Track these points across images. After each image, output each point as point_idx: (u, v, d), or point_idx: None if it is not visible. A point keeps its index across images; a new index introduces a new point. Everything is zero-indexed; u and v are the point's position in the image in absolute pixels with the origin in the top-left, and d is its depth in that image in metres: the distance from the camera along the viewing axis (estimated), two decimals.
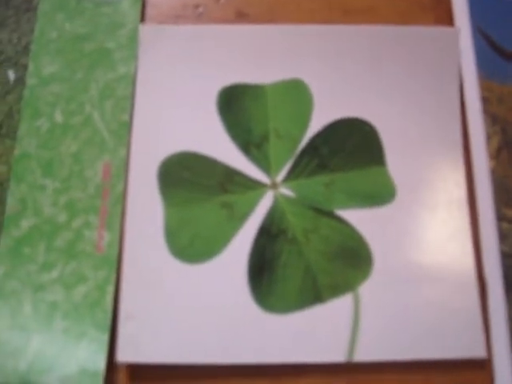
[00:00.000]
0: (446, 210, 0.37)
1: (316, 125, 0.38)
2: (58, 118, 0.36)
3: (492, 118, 0.39)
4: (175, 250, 0.34)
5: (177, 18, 0.40)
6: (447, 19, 0.41)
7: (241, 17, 0.40)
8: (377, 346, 0.32)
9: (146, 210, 0.35)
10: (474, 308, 0.35)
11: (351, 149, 0.37)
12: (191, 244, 0.34)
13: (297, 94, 0.38)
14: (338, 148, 0.37)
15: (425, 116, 0.38)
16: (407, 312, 0.34)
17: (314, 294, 0.34)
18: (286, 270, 0.35)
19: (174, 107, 0.37)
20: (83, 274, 0.33)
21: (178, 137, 0.37)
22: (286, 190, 0.37)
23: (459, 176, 0.37)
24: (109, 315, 0.32)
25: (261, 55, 0.39)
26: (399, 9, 0.42)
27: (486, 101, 0.39)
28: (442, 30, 0.40)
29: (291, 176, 0.37)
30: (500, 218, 0.37)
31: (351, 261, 0.35)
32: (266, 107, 0.38)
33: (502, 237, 0.36)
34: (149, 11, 0.40)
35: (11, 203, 0.33)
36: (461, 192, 0.37)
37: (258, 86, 0.38)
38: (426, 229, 0.36)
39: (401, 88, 0.39)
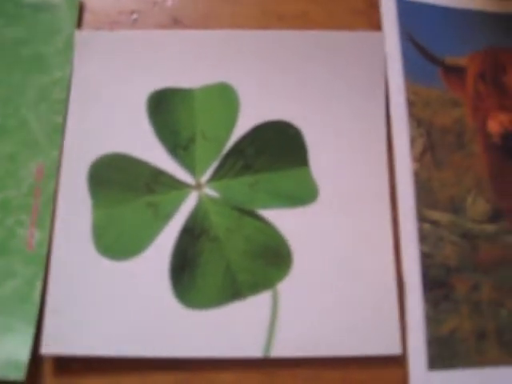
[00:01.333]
0: (368, 210, 0.39)
1: (242, 127, 0.41)
2: None
3: (417, 121, 0.41)
4: (101, 248, 0.37)
5: (112, 23, 0.43)
6: (379, 24, 0.44)
7: (176, 23, 0.43)
8: (294, 343, 0.35)
9: (75, 209, 0.38)
10: (391, 306, 0.37)
11: (276, 150, 0.40)
12: (117, 242, 0.37)
13: (224, 97, 0.41)
14: (262, 150, 0.40)
15: (350, 119, 0.41)
16: (325, 309, 0.36)
17: (233, 290, 0.37)
18: (207, 268, 0.37)
19: (106, 110, 0.40)
20: (13, 269, 0.35)
21: (108, 139, 0.40)
22: (210, 191, 0.40)
23: (382, 177, 0.40)
24: (36, 309, 0.34)
25: (192, 60, 0.42)
26: (332, 14, 0.44)
27: (411, 104, 0.41)
28: (368, 35, 0.43)
29: (216, 177, 0.40)
30: (421, 219, 0.39)
31: (271, 259, 0.38)
32: (194, 110, 0.41)
33: (423, 237, 0.39)
34: (86, 17, 0.43)
35: None
36: (383, 193, 0.40)
37: (187, 90, 0.41)
38: (346, 228, 0.39)
39: (327, 91, 0.42)
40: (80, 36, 0.42)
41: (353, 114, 0.41)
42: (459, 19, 0.45)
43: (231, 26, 0.44)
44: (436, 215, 0.40)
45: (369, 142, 0.41)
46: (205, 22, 0.44)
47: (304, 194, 0.40)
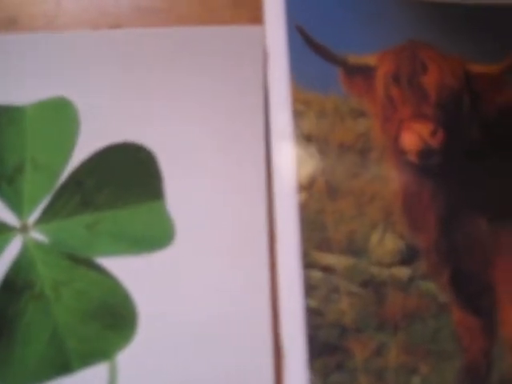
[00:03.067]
0: (238, 254, 0.38)
1: (81, 152, 0.39)
2: None
3: (307, 137, 0.41)
4: None
5: None
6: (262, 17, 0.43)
7: (12, 23, 0.43)
8: None
9: None
10: (266, 378, 0.36)
11: (122, 181, 0.39)
12: None
13: (60, 115, 0.40)
14: (105, 181, 0.39)
15: (220, 136, 0.40)
16: (182, 382, 0.35)
17: (60, 362, 0.35)
18: (29, 333, 0.36)
19: None
20: None
21: None
22: (37, 234, 0.38)
23: (258, 211, 0.39)
24: None
25: (21, 71, 0.40)
26: (206, 5, 0.44)
27: (299, 116, 0.41)
28: (245, 31, 0.42)
29: (46, 216, 0.38)
30: (309, 264, 0.37)
31: (111, 321, 0.36)
32: (25, 132, 0.39)
33: (310, 288, 0.37)
34: None
35: None
36: (259, 231, 0.38)
37: (17, 108, 0.40)
38: (210, 279, 0.38)
39: (192, 105, 0.41)
40: None
41: (223, 131, 0.40)
42: (368, 7, 0.45)
43: (78, 26, 0.42)
44: (329, 259, 0.38)
45: (242, 167, 0.39)
46: (42, 21, 0.43)
47: (157, 236, 0.38)
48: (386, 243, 0.39)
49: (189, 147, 0.40)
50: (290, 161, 0.40)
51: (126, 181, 0.39)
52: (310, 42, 0.43)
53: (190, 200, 0.39)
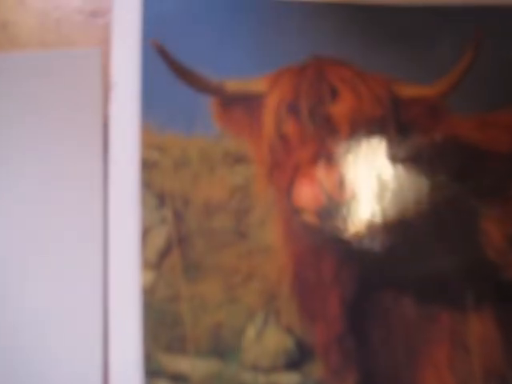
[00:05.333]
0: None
1: None
2: None
3: (159, 196, 0.39)
4: None
5: None
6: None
7: None
8: None
9: None
10: None
11: None
12: None
13: None
14: None
15: (45, 198, 0.39)
16: None
17: None
18: None
19: None
20: None
21: None
22: None
23: (93, 303, 0.38)
24: None
25: None
26: (42, 25, 0.43)
27: (151, 166, 0.39)
28: (83, 55, 0.42)
29: None
30: (154, 371, 0.36)
31: None
32: None
33: None
34: None
35: None
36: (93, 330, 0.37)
37: None
38: None
39: (16, 143, 0.40)
40: None
41: (53, 189, 0.40)
42: (257, 14, 0.42)
43: None
44: (183, 364, 0.36)
45: (81, 237, 0.39)
46: None
47: None
48: (266, 339, 0.37)
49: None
50: (132, 228, 0.38)
51: None
52: (171, 63, 0.40)
53: None
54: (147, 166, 0.39)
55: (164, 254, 0.38)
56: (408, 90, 0.41)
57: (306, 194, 0.39)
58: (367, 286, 0.38)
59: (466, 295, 0.38)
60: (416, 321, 0.38)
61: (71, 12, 0.44)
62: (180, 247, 0.38)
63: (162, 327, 0.36)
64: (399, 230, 0.39)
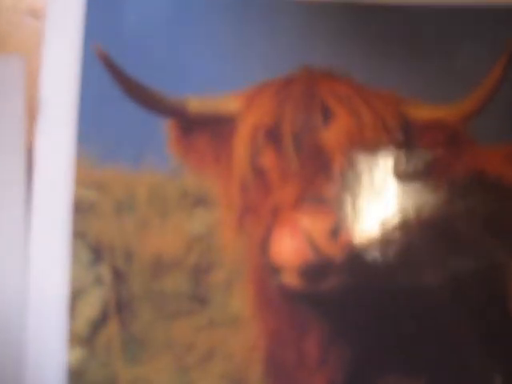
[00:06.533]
0: None
1: None
2: None
3: (95, 248, 0.36)
4: None
5: None
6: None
7: None
8: None
9: None
10: None
11: None
12: None
13: None
14: None
15: None
16: None
17: None
18: None
19: None
20: None
21: None
22: None
23: None
24: None
25: None
26: None
27: (85, 210, 0.37)
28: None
29: None
30: None
31: None
32: None
33: None
34: None
35: None
36: None
37: None
38: None
39: None
40: None
41: None
42: (231, 15, 0.39)
43: None
44: None
45: None
46: None
47: None
48: None
49: None
50: (58, 291, 0.36)
51: None
52: (118, 76, 0.38)
53: None
54: (81, 210, 0.37)
55: (98, 325, 0.36)
56: (421, 112, 0.37)
57: (288, 246, 0.36)
58: (365, 370, 0.35)
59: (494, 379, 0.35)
60: None
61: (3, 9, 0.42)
62: (119, 316, 0.36)
63: None
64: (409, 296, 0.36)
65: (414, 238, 0.36)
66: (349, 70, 0.38)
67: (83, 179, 0.37)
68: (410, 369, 0.35)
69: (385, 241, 0.35)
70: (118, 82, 0.38)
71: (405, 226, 0.36)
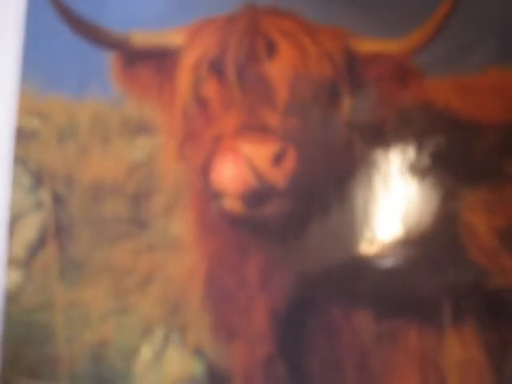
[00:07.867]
0: None
1: None
2: None
3: (36, 173, 0.36)
4: None
5: None
6: None
7: None
8: None
9: None
10: None
11: None
12: None
13: None
14: None
15: None
16: None
17: None
18: None
19: None
20: None
21: None
22: None
23: None
24: None
25: None
26: None
27: (27, 137, 0.36)
28: None
29: None
30: None
31: None
32: None
33: None
34: None
35: None
36: None
37: None
38: None
39: None
40: None
41: None
42: None
43: None
44: None
45: None
46: None
47: None
48: (166, 363, 0.33)
49: None
50: None
51: None
52: (65, 11, 0.37)
53: None
54: (23, 137, 0.36)
55: (36, 248, 0.35)
56: (368, 45, 0.36)
57: (229, 173, 0.34)
58: (307, 294, 0.34)
59: (443, 309, 0.34)
60: (375, 342, 0.34)
61: None
62: (58, 240, 0.35)
63: (27, 345, 0.33)
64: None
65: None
66: (294, 8, 0.37)
67: (26, 108, 0.36)
68: (353, 295, 0.34)
69: (325, 166, 0.35)
70: (62, 15, 0.37)
71: (348, 150, 0.35)
